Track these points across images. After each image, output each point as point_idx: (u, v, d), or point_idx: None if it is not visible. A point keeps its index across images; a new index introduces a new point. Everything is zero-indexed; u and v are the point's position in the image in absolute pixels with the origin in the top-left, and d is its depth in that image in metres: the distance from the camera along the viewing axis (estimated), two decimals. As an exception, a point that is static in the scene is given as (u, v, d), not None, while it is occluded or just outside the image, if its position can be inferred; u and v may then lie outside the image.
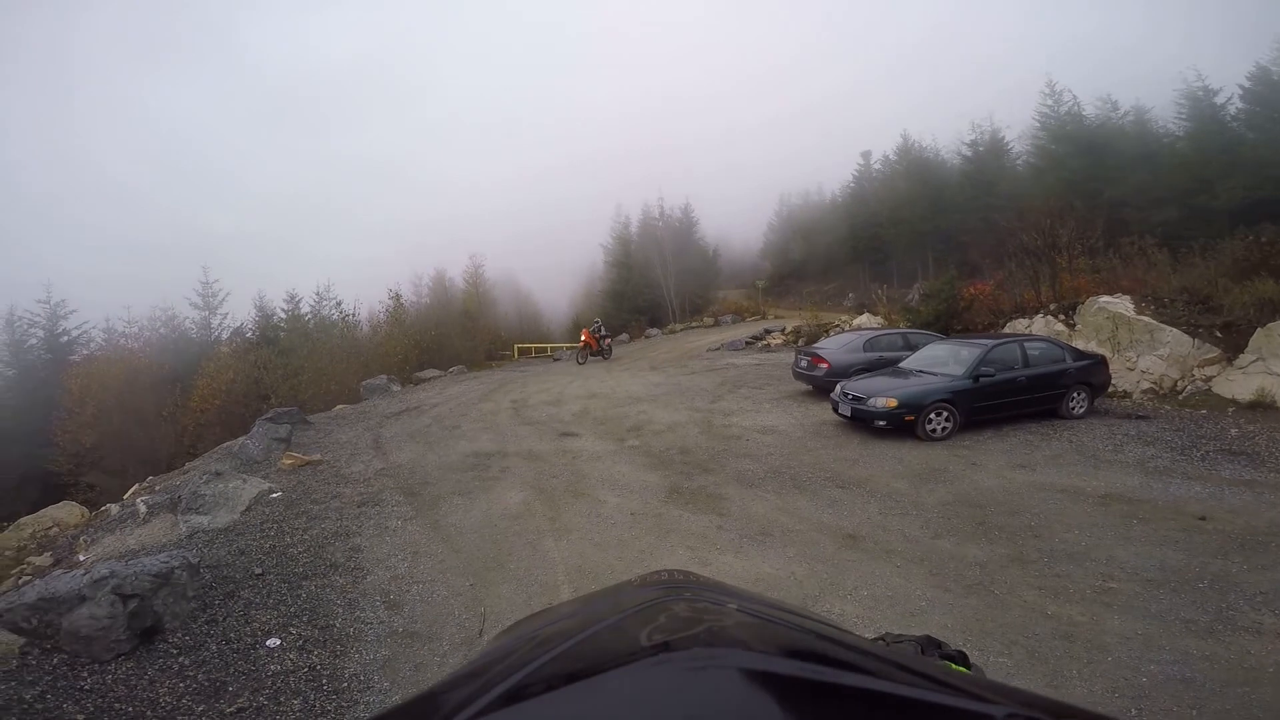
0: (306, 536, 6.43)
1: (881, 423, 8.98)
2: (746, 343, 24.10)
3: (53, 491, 19.34)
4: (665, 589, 0.92)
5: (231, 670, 4.17)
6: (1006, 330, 14.66)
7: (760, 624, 0.77)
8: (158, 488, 9.55)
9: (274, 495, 7.76)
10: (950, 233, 38.71)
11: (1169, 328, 11.62)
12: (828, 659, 0.65)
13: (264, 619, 4.81)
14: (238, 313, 36.80)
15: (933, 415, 8.92)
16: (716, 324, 34.61)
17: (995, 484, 7.07)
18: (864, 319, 22.26)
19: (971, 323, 16.84)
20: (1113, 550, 5.28)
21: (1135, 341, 11.90)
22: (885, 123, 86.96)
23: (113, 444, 22.72)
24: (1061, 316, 13.94)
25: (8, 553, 7.32)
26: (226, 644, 4.48)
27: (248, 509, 7.29)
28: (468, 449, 9.84)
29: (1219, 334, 11.32)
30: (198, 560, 5.44)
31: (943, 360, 10.02)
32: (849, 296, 40.73)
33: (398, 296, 34.82)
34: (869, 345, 13.00)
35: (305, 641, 4.51)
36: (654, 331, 34.92)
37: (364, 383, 19.87)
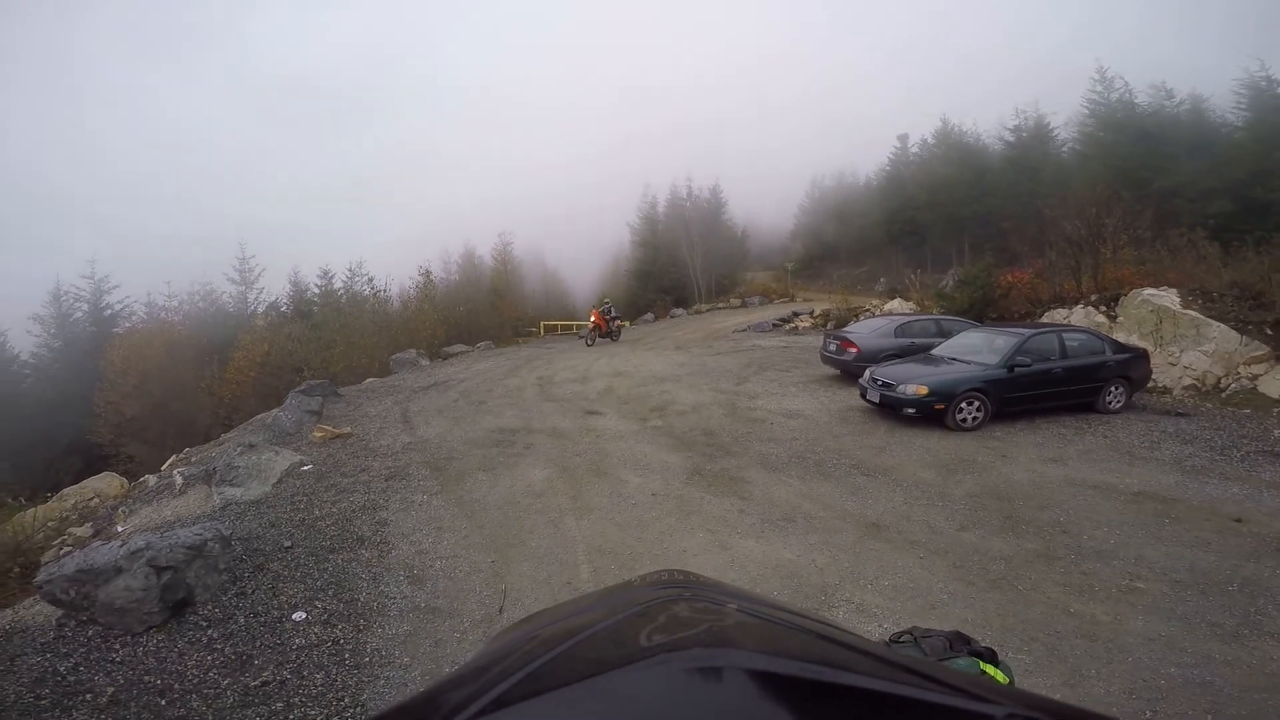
0: (335, 510, 6.59)
1: (910, 410, 8.86)
2: (774, 325, 23.90)
3: (95, 462, 20.07)
4: (665, 589, 0.92)
5: (258, 643, 4.30)
6: (1044, 320, 14.29)
7: (760, 624, 0.77)
8: (194, 459, 9.86)
9: (305, 468, 7.95)
10: (989, 219, 37.64)
11: (1216, 323, 11.21)
12: (828, 659, 0.65)
13: (291, 592, 4.95)
14: (273, 288, 37.59)
15: (964, 404, 8.76)
16: (743, 305, 34.33)
17: (1025, 477, 6.95)
18: (895, 304, 21.88)
19: (1007, 311, 16.47)
20: (1142, 549, 5.17)
21: (1179, 336, 11.51)
22: (921, 106, 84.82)
23: (152, 415, 23.41)
24: (1102, 308, 13.54)
25: (51, 524, 7.62)
26: (254, 617, 4.62)
27: (279, 481, 7.49)
28: (493, 425, 9.96)
29: (1269, 331, 10.89)
30: (229, 532, 5.60)
31: (976, 348, 9.82)
32: (880, 281, 40.02)
33: (428, 273, 35.10)
34: (900, 331, 12.79)
35: (330, 615, 4.63)
36: (679, 311, 34.78)
37: (394, 357, 20.23)
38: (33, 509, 8.19)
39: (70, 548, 6.52)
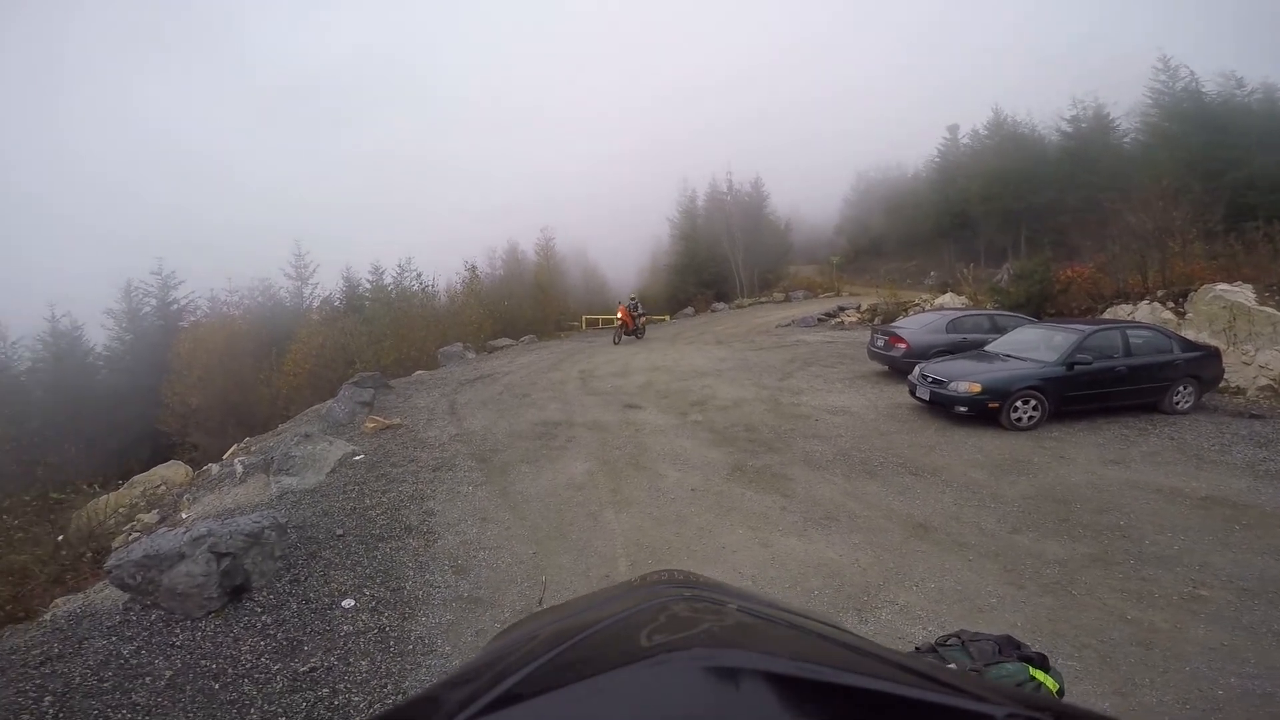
0: (385, 499, 6.77)
1: (962, 408, 8.59)
2: (819, 319, 23.50)
3: (162, 451, 21.11)
4: (665, 589, 0.92)
5: (308, 630, 4.44)
6: (1106, 316, 13.72)
7: (761, 624, 0.77)
8: (253, 448, 10.25)
9: (357, 458, 8.19)
10: (1045, 211, 36.42)
11: (1295, 319, 10.58)
12: (828, 659, 0.64)
13: (341, 579, 5.11)
14: (327, 283, 38.81)
15: (1019, 403, 8.46)
16: (787, 299, 33.89)
17: (1083, 479, 6.68)
18: (946, 299, 21.27)
19: (1066, 307, 15.88)
20: (1208, 556, 4.92)
21: (1255, 334, 10.90)
22: (969, 96, 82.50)
23: (215, 405, 24.45)
24: (1170, 304, 12.95)
25: (121, 510, 8.03)
26: (306, 604, 4.78)
27: (333, 470, 7.73)
28: (536, 417, 10.08)
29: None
30: (285, 520, 5.79)
31: (1034, 345, 9.46)
32: (930, 275, 38.98)
33: (474, 268, 35.72)
34: (952, 326, 12.42)
35: (378, 603, 4.76)
36: (721, 306, 34.51)
37: (441, 350, 20.64)
38: (105, 496, 8.65)
39: (138, 534, 6.85)
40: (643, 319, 21.91)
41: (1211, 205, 17.26)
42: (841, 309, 25.11)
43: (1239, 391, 10.46)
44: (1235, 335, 11.13)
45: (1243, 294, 11.59)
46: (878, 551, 5.20)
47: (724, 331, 22.37)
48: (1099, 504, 6.00)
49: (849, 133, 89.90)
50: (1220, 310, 11.52)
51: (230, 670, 4.02)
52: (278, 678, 3.92)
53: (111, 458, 23.03)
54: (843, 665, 0.61)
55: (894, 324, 14.21)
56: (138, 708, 3.71)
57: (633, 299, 22.48)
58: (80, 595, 5.33)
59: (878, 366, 12.76)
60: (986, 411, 8.49)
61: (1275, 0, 54.89)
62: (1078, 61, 68.79)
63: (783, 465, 7.37)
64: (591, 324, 32.63)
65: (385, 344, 26.18)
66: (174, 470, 9.73)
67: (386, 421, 9.93)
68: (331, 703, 3.68)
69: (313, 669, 3.98)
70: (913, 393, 9.50)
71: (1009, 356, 9.41)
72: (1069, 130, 40.63)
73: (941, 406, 8.94)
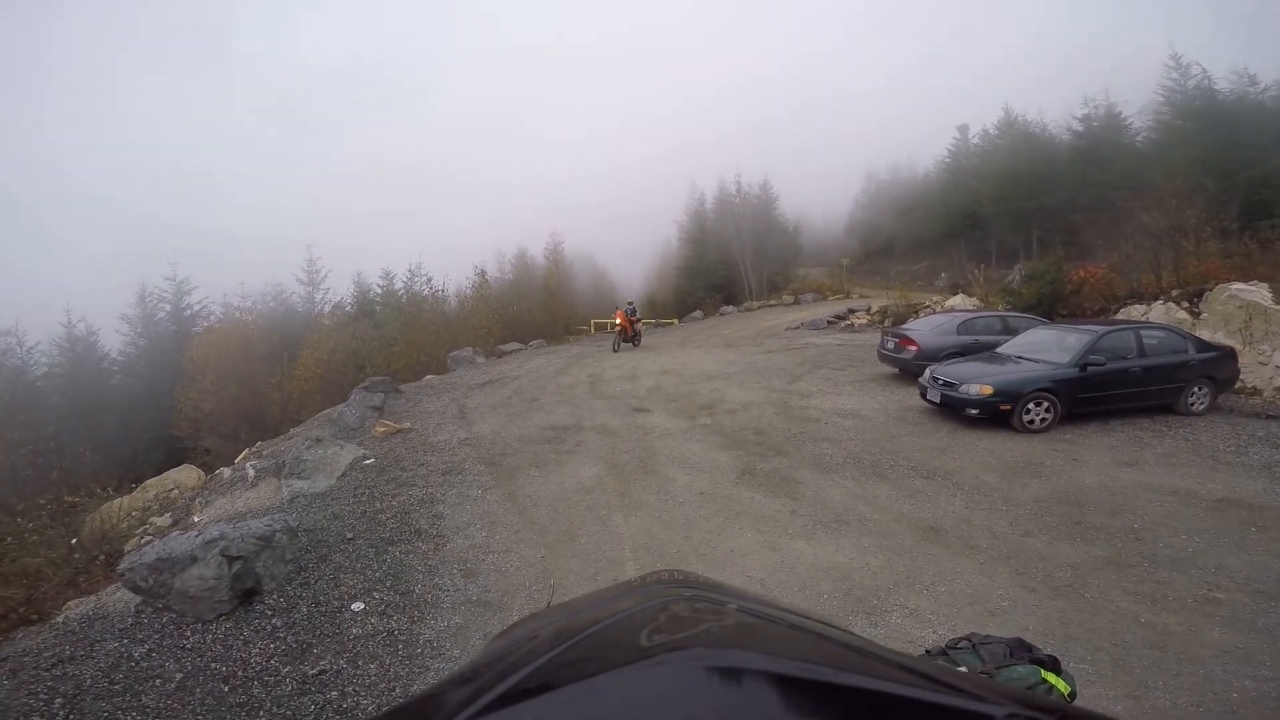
0: (394, 503, 6.79)
1: (974, 411, 8.53)
2: (828, 322, 23.42)
3: (175, 455, 21.29)
4: (665, 589, 0.92)
5: (318, 632, 4.46)
6: (1120, 317, 13.59)
7: (760, 624, 0.77)
8: (265, 452, 10.32)
9: (367, 461, 8.23)
10: (1056, 211, 36.15)
11: (1312, 319, 10.43)
12: (828, 659, 0.64)
13: (351, 583, 5.13)
14: (338, 288, 39.12)
15: (1031, 405, 8.38)
16: (797, 302, 33.80)
17: (1097, 481, 6.61)
18: (957, 300, 21.11)
19: (1079, 307, 15.73)
20: (1223, 558, 4.85)
21: (1271, 334, 10.74)
22: (979, 97, 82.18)
23: (228, 410, 24.64)
24: (1185, 304, 12.80)
25: (134, 513, 8.10)
26: (316, 606, 4.80)
27: (344, 474, 7.77)
28: (545, 421, 10.09)
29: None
30: (296, 524, 5.84)
31: (1046, 346, 9.38)
32: (941, 276, 38.81)
33: (483, 273, 35.94)
34: (963, 328, 12.33)
35: (387, 606, 4.77)
36: (729, 309, 34.50)
37: (451, 354, 20.74)
38: (118, 499, 8.72)
39: (151, 537, 6.91)
40: (639, 324, 21.29)
41: (1226, 203, 17.11)
42: (851, 311, 25.02)
43: (1255, 392, 10.31)
44: (1251, 335, 10.98)
45: (1259, 293, 11.43)
46: (888, 555, 5.16)
47: (733, 334, 22.35)
48: (1112, 506, 5.93)
49: (859, 135, 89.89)
50: (1236, 310, 11.37)
51: (240, 673, 4.03)
52: (287, 680, 3.93)
53: (125, 461, 23.30)
54: (842, 665, 0.61)
55: (904, 326, 14.14)
56: (148, 710, 3.73)
57: (630, 304, 22.05)
58: (93, 598, 5.38)
59: (888, 369, 12.69)
60: (998, 414, 8.41)
61: (1288, -3, 54.33)
62: (1089, 60, 68.36)
63: (792, 468, 7.34)
64: (600, 328, 32.69)
65: (395, 349, 26.38)
66: (186, 474, 9.81)
67: (397, 426, 9.97)
68: (340, 705, 3.68)
69: (322, 672, 3.99)
70: (923, 395, 9.43)
71: (1021, 358, 9.33)
72: (1080, 129, 40.33)
73: (952, 409, 8.87)
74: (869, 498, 6.40)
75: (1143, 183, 20.63)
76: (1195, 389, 8.94)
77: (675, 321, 32.16)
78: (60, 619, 5.00)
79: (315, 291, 38.33)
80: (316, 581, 5.16)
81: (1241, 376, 9.87)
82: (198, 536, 4.97)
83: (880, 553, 5.20)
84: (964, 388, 8.66)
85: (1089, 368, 8.53)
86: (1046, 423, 8.40)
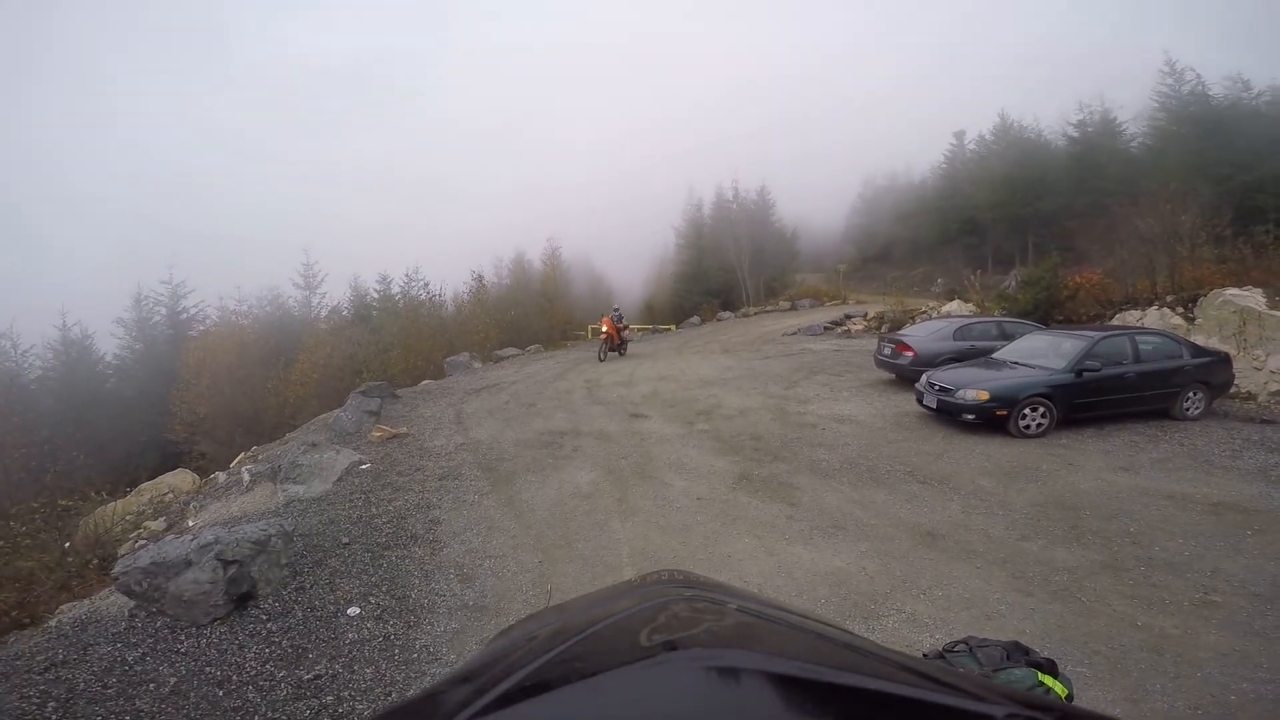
0: (391, 508, 6.76)
1: (970, 416, 8.54)
2: (825, 328, 23.46)
3: (170, 459, 21.18)
4: (665, 589, 0.91)
5: (313, 637, 4.43)
6: (1115, 322, 13.64)
7: (760, 624, 0.77)
8: (260, 457, 10.28)
9: (364, 466, 8.20)
10: (1052, 217, 36.33)
11: (1306, 324, 10.48)
12: (828, 659, 0.64)
13: (347, 587, 5.10)
14: (335, 293, 39.09)
15: (1027, 410, 8.39)
16: (794, 308, 33.87)
17: (1092, 486, 6.62)
18: (954, 306, 21.19)
19: (1075, 313, 15.80)
20: (1219, 562, 4.86)
21: (1265, 338, 10.80)
22: (975, 103, 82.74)
23: (223, 414, 24.57)
24: (1179, 309, 12.86)
25: (128, 517, 8.06)
26: (311, 611, 4.77)
27: (340, 479, 7.73)
28: (542, 427, 10.07)
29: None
30: (292, 528, 5.80)
31: (1042, 352, 9.40)
32: (938, 282, 38.92)
33: (480, 278, 35.88)
34: (959, 334, 12.38)
35: (383, 611, 4.75)
36: (727, 314, 34.50)
37: (448, 359, 20.70)
38: (112, 503, 8.69)
39: (145, 541, 6.87)
40: (625, 331, 20.17)
41: (1220, 209, 17.13)
42: (848, 317, 25.04)
43: (1250, 397, 10.36)
44: (1246, 340, 11.04)
45: (1253, 298, 11.49)
46: (885, 559, 5.15)
47: (730, 340, 22.35)
48: (1108, 511, 5.93)
49: (856, 142, 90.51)
50: (1230, 315, 11.43)
51: (235, 677, 4.01)
52: (282, 685, 3.91)
53: (119, 465, 23.22)
54: (842, 665, 0.62)
55: (901, 332, 14.17)
56: (142, 714, 3.70)
57: (616, 310, 20.71)
58: (86, 602, 5.34)
59: (885, 375, 12.71)
60: (994, 419, 8.42)
61: (1281, 5, 54.81)
62: (1084, 66, 68.75)
63: (789, 474, 7.34)
64: (597, 334, 32.70)
65: (392, 354, 26.33)
66: (181, 478, 9.77)
67: (393, 430, 9.95)
68: (335, 710, 3.66)
69: (317, 676, 3.97)
70: (920, 401, 9.45)
71: (1017, 364, 9.36)
72: (1076, 135, 40.58)
73: (949, 414, 8.88)
74: (866, 503, 6.40)
75: (1138, 188, 20.74)
76: (1190, 394, 8.97)
77: (673, 327, 32.14)
78: (53, 623, 4.96)
79: (312, 295, 38.36)
80: (312, 586, 5.13)
81: (1236, 381, 9.91)
82: (192, 540, 4.93)
83: (877, 557, 5.19)
84: (960, 393, 8.67)
85: (1085, 373, 8.56)
86: (1043, 428, 8.42)
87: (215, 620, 4.62)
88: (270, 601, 4.89)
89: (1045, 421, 8.43)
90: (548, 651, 0.66)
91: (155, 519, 7.84)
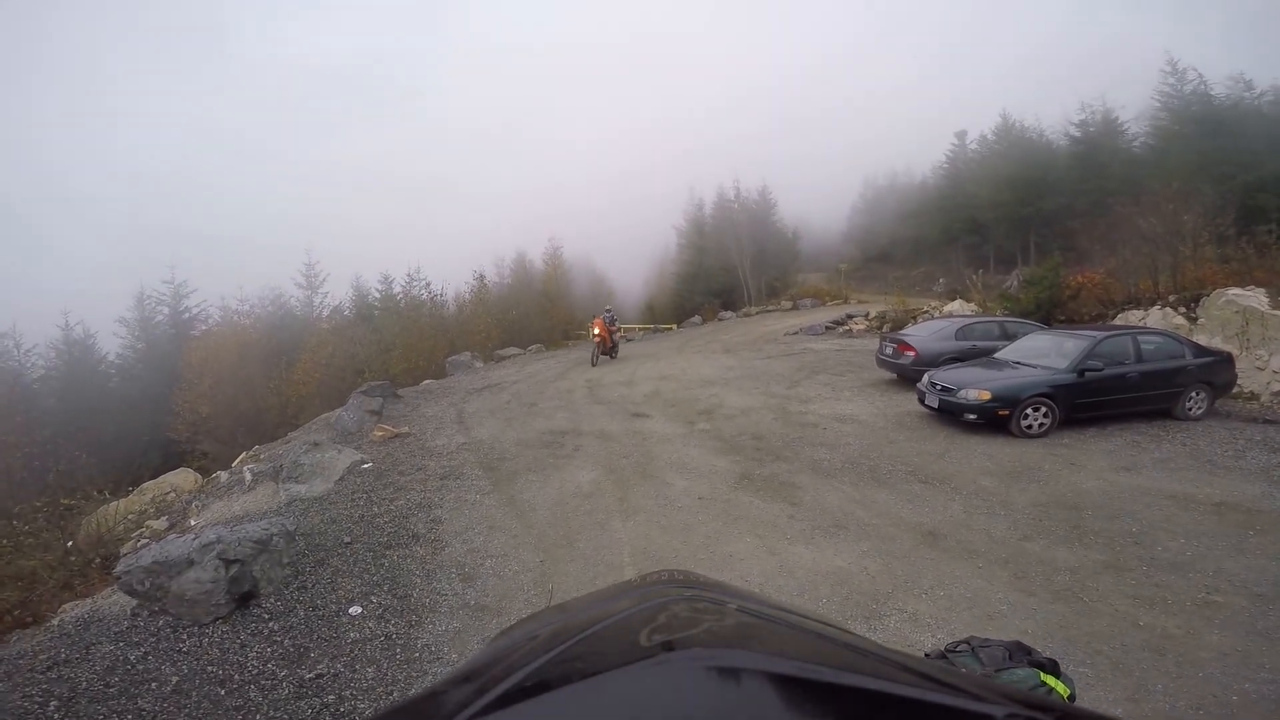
0: (392, 507, 6.77)
1: (972, 416, 8.53)
2: (827, 328, 23.45)
3: (172, 458, 21.22)
4: (665, 589, 0.92)
5: (315, 636, 4.43)
6: (1117, 322, 13.62)
7: (761, 624, 0.77)
8: (262, 456, 10.30)
9: (365, 466, 8.21)
10: (1054, 217, 36.32)
11: (1309, 323, 10.46)
12: (828, 659, 0.64)
13: (349, 587, 5.10)
14: (336, 293, 39.15)
15: (1029, 410, 8.38)
16: (795, 308, 33.85)
17: (1095, 486, 6.60)
18: (956, 306, 21.17)
19: (1077, 313, 15.78)
20: (1222, 562, 4.85)
21: (1268, 338, 10.78)
22: (977, 103, 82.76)
23: (225, 413, 24.63)
24: (1182, 309, 12.83)
25: (130, 516, 8.07)
26: (313, 610, 4.77)
27: (341, 478, 7.74)
28: (544, 426, 10.08)
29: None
30: (294, 528, 5.81)
31: (1044, 352, 9.39)
32: (939, 282, 38.91)
33: (482, 277, 35.95)
34: (961, 333, 12.36)
35: (384, 610, 4.75)
36: (728, 314, 34.50)
37: (449, 359, 20.74)
38: (115, 502, 8.69)
39: (147, 540, 6.87)
40: (618, 333, 19.12)
41: (1222, 208, 17.09)
42: (850, 317, 25.03)
43: (1253, 397, 10.34)
44: (1248, 340, 11.02)
45: (1256, 298, 11.46)
46: (887, 559, 5.15)
47: (731, 340, 22.33)
48: (1110, 511, 5.92)
49: (858, 142, 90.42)
50: (1233, 315, 11.41)
51: (237, 676, 4.01)
52: (284, 684, 3.91)
53: (122, 465, 23.22)
54: (843, 665, 0.61)
55: (903, 331, 14.15)
56: (144, 713, 3.71)
57: (608, 310, 19.44)
58: (89, 601, 5.36)
59: (886, 374, 12.70)
60: (996, 419, 8.41)
61: (1283, 4, 54.76)
62: (1085, 66, 68.75)
63: (791, 473, 7.33)
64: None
65: (394, 353, 26.36)
66: (183, 477, 9.78)
67: (395, 430, 9.96)
68: (337, 710, 3.66)
69: (319, 676, 3.97)
70: (921, 401, 9.44)
71: (1019, 363, 9.35)
72: (1078, 135, 40.58)
73: (951, 414, 8.87)
74: (867, 502, 6.39)
75: (1140, 188, 20.71)
76: (1193, 394, 8.95)
77: (674, 327, 32.17)
78: (56, 622, 4.97)
79: (314, 295, 38.42)
80: (314, 585, 5.13)
81: (1239, 381, 9.89)
82: (194, 540, 4.94)
83: (879, 557, 5.19)
84: (962, 393, 8.66)
85: (1087, 373, 8.54)
86: (1044, 428, 8.41)
87: (217, 619, 4.62)
88: (272, 601, 4.90)
89: (1047, 421, 8.42)
90: (548, 651, 0.66)
91: (157, 518, 7.85)
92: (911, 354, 11.69)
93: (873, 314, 24.08)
